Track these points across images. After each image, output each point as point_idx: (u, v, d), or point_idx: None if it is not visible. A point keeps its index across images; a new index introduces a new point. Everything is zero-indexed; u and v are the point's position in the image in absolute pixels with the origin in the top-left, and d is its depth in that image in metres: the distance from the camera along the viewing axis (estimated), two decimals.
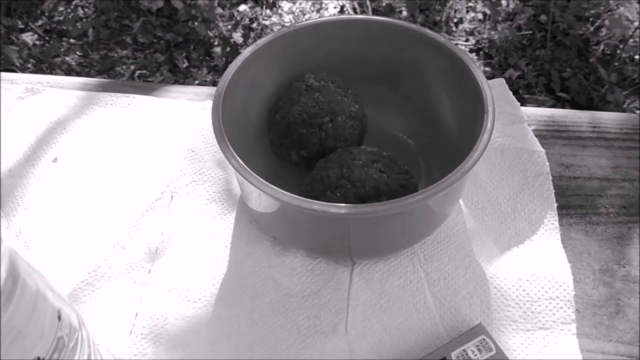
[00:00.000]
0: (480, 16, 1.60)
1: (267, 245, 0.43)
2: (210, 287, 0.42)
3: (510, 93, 0.51)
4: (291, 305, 0.41)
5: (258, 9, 1.72)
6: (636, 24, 1.45)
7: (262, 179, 0.35)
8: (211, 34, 1.64)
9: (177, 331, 0.40)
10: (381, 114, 0.48)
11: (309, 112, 0.43)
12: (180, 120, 0.52)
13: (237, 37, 1.63)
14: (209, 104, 0.53)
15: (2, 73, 0.56)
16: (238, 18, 1.73)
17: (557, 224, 0.43)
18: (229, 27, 1.70)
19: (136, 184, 0.47)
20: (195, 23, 1.60)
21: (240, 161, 0.36)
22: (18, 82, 0.56)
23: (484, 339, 0.37)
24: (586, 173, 0.48)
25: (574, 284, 0.41)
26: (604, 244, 0.43)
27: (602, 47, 1.49)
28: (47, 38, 1.71)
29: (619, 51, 1.43)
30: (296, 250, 0.43)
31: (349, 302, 0.40)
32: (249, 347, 0.39)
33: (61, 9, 1.81)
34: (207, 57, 1.60)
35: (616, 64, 1.44)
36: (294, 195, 0.34)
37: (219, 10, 1.70)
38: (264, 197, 0.37)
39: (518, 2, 1.63)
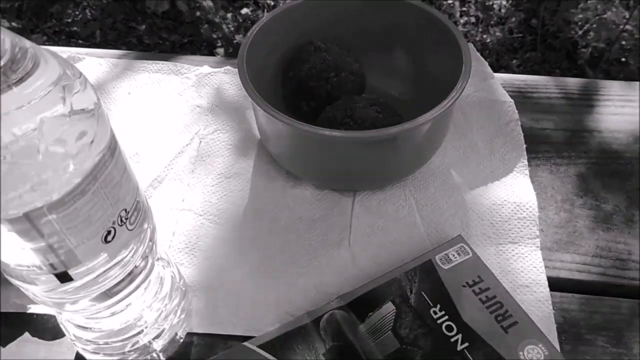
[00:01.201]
0: (473, 20, 1.69)
1: (282, 179, 0.51)
2: (235, 213, 0.49)
3: (479, 55, 0.59)
4: (303, 226, 0.48)
5: (260, 12, 1.81)
6: (622, 27, 1.54)
7: (279, 112, 0.43)
8: (215, 36, 1.72)
9: (207, 247, 0.48)
10: (378, 75, 0.56)
11: (318, 68, 0.52)
12: (204, 81, 0.60)
13: (240, 38, 1.71)
14: (229, 69, 0.61)
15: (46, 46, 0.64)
16: (240, 20, 1.81)
17: (526, 162, 0.51)
18: (232, 28, 1.78)
19: (169, 133, 0.55)
20: (201, 26, 1.68)
21: (262, 99, 0.44)
22: (61, 53, 0.64)
23: (462, 246, 0.45)
24: (552, 126, 0.56)
25: (540, 211, 0.49)
26: (566, 180, 0.51)
27: (589, 49, 1.57)
28: (56, 39, 1.78)
29: (606, 53, 1.51)
30: (307, 183, 0.51)
31: (352, 223, 0.48)
32: (269, 257, 0.46)
33: (69, 11, 1.89)
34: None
35: (603, 65, 1.52)
36: (306, 124, 0.43)
37: (222, 12, 1.78)
38: (280, 128, 0.45)
39: (509, 6, 1.72)
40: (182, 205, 0.50)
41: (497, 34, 1.63)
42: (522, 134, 0.53)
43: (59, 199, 0.26)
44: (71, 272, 0.29)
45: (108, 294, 0.32)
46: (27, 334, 0.43)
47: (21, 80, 0.23)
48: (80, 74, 0.27)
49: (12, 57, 0.23)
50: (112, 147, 0.28)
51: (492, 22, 1.69)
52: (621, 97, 0.58)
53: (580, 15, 1.64)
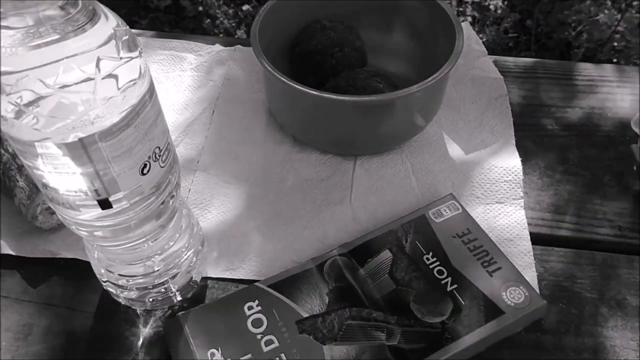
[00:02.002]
0: (470, 19, 1.73)
1: (289, 145, 0.56)
2: (245, 175, 0.54)
3: (474, 33, 0.64)
4: (308, 187, 0.53)
5: (260, 9, 1.85)
6: (613, 28, 1.58)
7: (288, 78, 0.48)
8: (216, 31, 1.76)
9: (220, 203, 0.52)
10: (378, 53, 0.61)
11: (323, 44, 0.56)
12: (216, 58, 0.64)
13: (241, 33, 1.76)
14: (239, 47, 0.65)
15: None
16: (242, 16, 1.85)
17: (512, 132, 0.56)
18: (234, 24, 1.82)
19: (185, 103, 0.60)
20: (203, 21, 1.72)
21: (273, 67, 0.49)
22: None
23: (453, 203, 0.49)
24: (539, 102, 0.61)
25: (525, 175, 0.53)
26: (549, 149, 0.56)
27: (582, 50, 1.62)
28: None
29: (597, 54, 1.56)
30: (312, 148, 0.55)
31: (353, 183, 0.53)
32: (277, 213, 0.51)
33: None
34: None
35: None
36: (312, 88, 0.47)
37: (224, 8, 1.83)
38: (288, 93, 0.49)
39: (505, 7, 1.76)
40: (197, 166, 0.54)
41: (493, 33, 1.67)
42: (510, 108, 0.57)
43: (108, 128, 0.30)
44: (111, 199, 0.33)
45: (139, 225, 0.36)
46: (55, 277, 0.48)
47: (91, 21, 0.28)
48: (126, 25, 0.31)
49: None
50: (151, 90, 0.33)
51: (488, 22, 1.73)
52: (602, 78, 0.63)
53: (574, 17, 1.68)
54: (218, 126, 0.58)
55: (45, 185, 0.33)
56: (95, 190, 0.33)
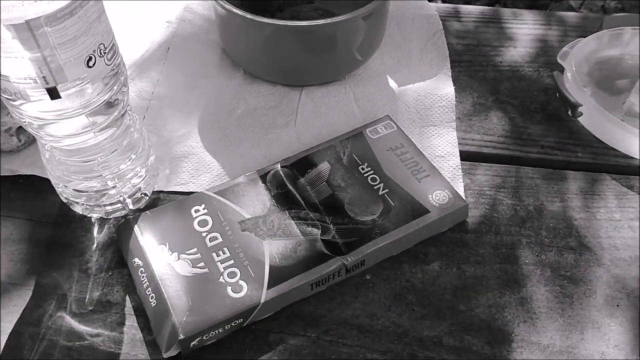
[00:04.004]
0: None
1: (240, 77, 0.59)
2: (198, 105, 0.57)
3: None
4: (257, 114, 0.56)
5: None
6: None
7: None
8: None
9: (172, 128, 0.55)
10: None
11: None
12: (172, 2, 0.68)
13: None
14: None
15: None
16: None
17: (449, 65, 0.60)
18: None
19: (141, 41, 0.63)
20: None
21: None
22: None
23: (389, 122, 0.53)
24: (474, 42, 0.65)
25: (459, 104, 0.58)
26: (482, 82, 0.60)
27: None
28: None
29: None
30: (261, 81, 0.59)
31: (298, 110, 0.56)
32: (226, 135, 0.54)
33: None
34: None
35: None
36: (257, 16, 0.51)
37: None
38: (237, 22, 0.53)
39: None
40: (152, 96, 0.58)
41: None
42: (446, 42, 0.62)
43: (53, 12, 0.33)
44: (59, 89, 0.37)
45: (88, 120, 0.40)
46: (14, 193, 0.51)
47: None
48: None
49: None
50: None
51: None
52: (534, 21, 0.67)
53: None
54: (172, 62, 0.61)
55: None
56: (44, 77, 0.36)
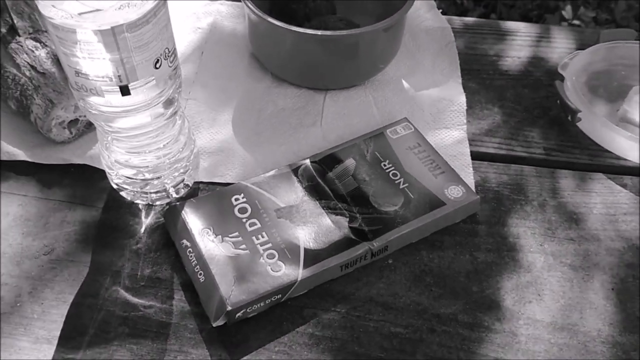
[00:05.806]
0: None
1: (268, 80, 0.65)
2: (230, 105, 0.62)
3: None
4: (285, 114, 0.62)
5: None
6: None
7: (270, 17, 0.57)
8: None
9: (208, 125, 0.60)
10: (345, 7, 0.70)
11: None
12: (203, 9, 0.73)
13: None
14: (223, 2, 0.74)
15: None
16: None
17: (459, 73, 0.66)
18: None
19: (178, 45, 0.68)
20: None
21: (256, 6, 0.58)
22: None
23: (407, 124, 0.59)
24: (483, 52, 0.71)
25: (469, 108, 0.63)
26: (490, 89, 0.66)
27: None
28: None
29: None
30: (288, 83, 0.64)
31: (323, 111, 0.62)
32: (257, 133, 0.60)
33: None
34: None
35: None
36: (287, 24, 0.56)
37: None
38: (267, 29, 0.58)
39: (470, 0, 1.87)
40: (189, 96, 0.63)
41: None
42: (457, 52, 0.67)
43: (134, 20, 0.38)
44: (130, 87, 0.42)
45: (150, 114, 0.45)
46: (67, 180, 0.56)
47: None
48: None
49: None
50: None
51: (452, 15, 1.84)
52: (538, 35, 0.73)
53: (535, 12, 1.80)
54: (206, 65, 0.66)
55: (78, 72, 0.41)
56: (119, 76, 0.41)
